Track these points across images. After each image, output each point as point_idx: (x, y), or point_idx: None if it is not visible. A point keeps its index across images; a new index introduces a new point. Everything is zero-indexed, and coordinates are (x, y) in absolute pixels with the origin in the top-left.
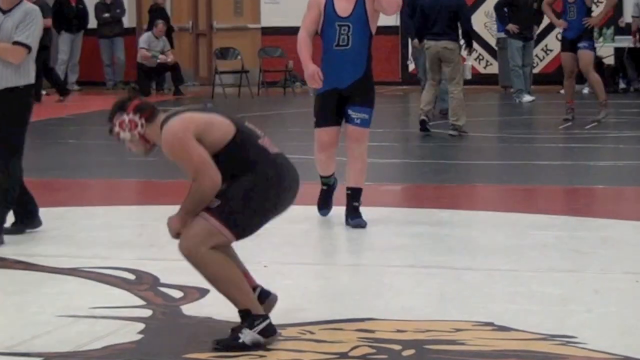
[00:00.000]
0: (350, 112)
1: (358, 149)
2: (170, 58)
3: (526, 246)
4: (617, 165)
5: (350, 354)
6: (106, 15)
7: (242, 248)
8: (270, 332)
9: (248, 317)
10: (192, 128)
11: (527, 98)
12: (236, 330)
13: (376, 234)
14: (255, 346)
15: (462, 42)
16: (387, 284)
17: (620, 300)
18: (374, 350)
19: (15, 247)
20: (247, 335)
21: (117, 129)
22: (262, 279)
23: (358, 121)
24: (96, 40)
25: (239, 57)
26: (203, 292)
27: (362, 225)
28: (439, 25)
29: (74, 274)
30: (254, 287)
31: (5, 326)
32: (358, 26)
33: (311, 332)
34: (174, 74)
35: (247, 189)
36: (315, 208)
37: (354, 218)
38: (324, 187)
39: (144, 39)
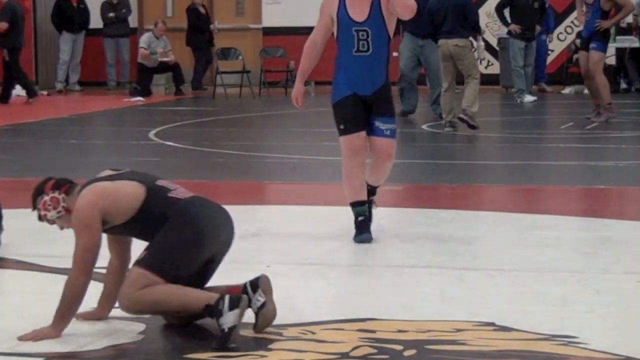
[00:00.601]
0: (378, 123)
1: (389, 164)
2: (171, 57)
3: (528, 246)
4: (619, 165)
5: (352, 354)
6: (111, 14)
7: (244, 249)
8: (238, 301)
9: (212, 309)
10: (100, 204)
11: (529, 98)
12: (218, 326)
13: (377, 234)
14: (237, 337)
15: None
16: (388, 284)
17: (622, 301)
18: (375, 351)
19: (15, 248)
20: (225, 320)
21: (42, 212)
22: None
23: (388, 132)
24: (99, 40)
25: (240, 57)
26: None
27: (367, 241)
28: (448, 24)
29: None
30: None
31: (6, 326)
32: (376, 31)
33: (312, 332)
34: (174, 75)
35: (166, 235)
36: (316, 208)
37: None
38: (360, 219)
39: (144, 38)
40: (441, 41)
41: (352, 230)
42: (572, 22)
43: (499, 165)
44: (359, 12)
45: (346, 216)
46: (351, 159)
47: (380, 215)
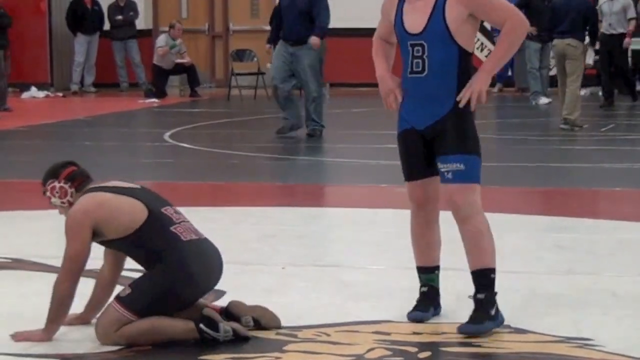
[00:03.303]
0: (439, 164)
1: (466, 225)
2: (187, 59)
3: (543, 248)
4: (634, 167)
5: (366, 356)
6: (119, 17)
7: (259, 251)
8: (214, 326)
9: (200, 333)
10: (94, 214)
11: (544, 100)
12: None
13: (392, 236)
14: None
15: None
16: (403, 286)
17: (637, 303)
18: (390, 352)
19: (30, 249)
20: (217, 338)
21: (49, 194)
22: (279, 281)
23: (450, 175)
24: (110, 42)
25: (255, 58)
26: (219, 294)
27: (473, 332)
28: (566, 24)
29: (89, 275)
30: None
31: (22, 328)
32: (436, 45)
33: (327, 334)
34: (190, 76)
35: (154, 280)
36: (332, 210)
37: (469, 323)
38: (424, 289)
39: (161, 39)
40: (555, 40)
41: (368, 233)
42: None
43: (513, 167)
44: (414, 20)
45: (361, 218)
46: (413, 213)
47: (396, 218)
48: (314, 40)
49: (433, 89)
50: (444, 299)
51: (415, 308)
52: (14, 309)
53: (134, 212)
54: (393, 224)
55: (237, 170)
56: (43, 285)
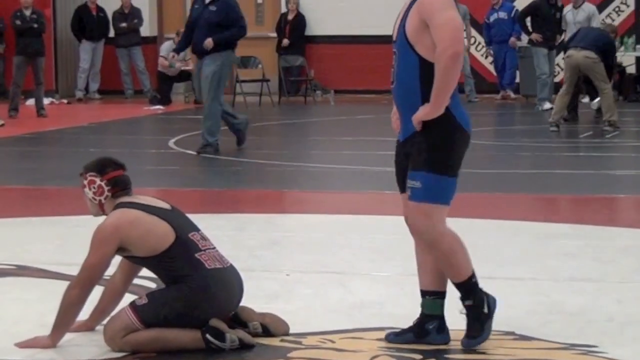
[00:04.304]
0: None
1: (426, 243)
2: (190, 66)
3: (547, 255)
4: (638, 174)
5: None
6: (123, 24)
7: (264, 257)
8: (220, 336)
9: (206, 344)
10: (125, 231)
11: (547, 105)
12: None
13: (397, 243)
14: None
15: None
16: (408, 293)
17: None
18: None
19: (37, 255)
20: (223, 348)
21: (85, 182)
22: (284, 288)
23: (409, 192)
24: (115, 49)
25: (259, 65)
26: None
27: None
28: (583, 41)
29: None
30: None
31: (28, 334)
32: (402, 54)
33: (332, 341)
34: (194, 83)
35: (172, 298)
36: (336, 217)
37: (468, 337)
38: (423, 313)
39: (165, 47)
40: (571, 51)
41: (373, 240)
42: None
43: (517, 173)
44: (395, 27)
45: (366, 225)
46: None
47: (401, 224)
48: (207, 41)
49: (401, 100)
50: (449, 307)
51: (404, 331)
52: (19, 316)
53: (162, 235)
54: (398, 231)
55: (242, 177)
56: (48, 293)
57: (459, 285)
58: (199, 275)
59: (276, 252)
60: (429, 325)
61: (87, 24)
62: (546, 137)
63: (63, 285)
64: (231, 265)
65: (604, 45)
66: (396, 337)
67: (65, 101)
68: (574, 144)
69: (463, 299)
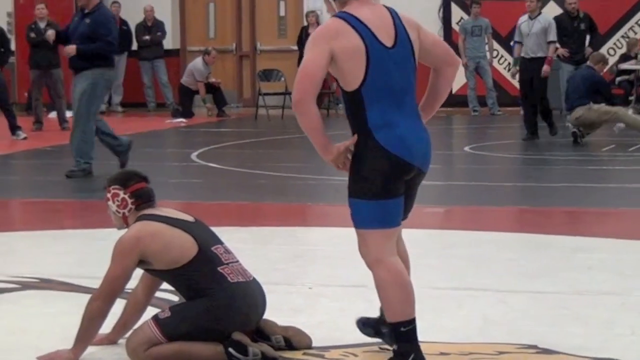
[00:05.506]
0: None
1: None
2: (218, 80)
3: (570, 268)
4: None
5: None
6: (146, 37)
7: (286, 271)
8: (243, 350)
9: (229, 358)
10: (145, 244)
11: None
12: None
13: (419, 256)
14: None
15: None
16: (430, 306)
17: None
18: None
19: (59, 268)
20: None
21: (109, 195)
22: (306, 301)
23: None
24: (138, 62)
25: (282, 78)
26: None
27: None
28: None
29: (120, 296)
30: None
31: (50, 348)
32: None
33: (354, 355)
34: (216, 96)
35: (195, 312)
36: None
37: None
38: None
39: (199, 69)
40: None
41: None
42: (614, 44)
43: (541, 187)
44: None
45: None
46: None
47: (424, 237)
48: (70, 47)
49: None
50: (472, 320)
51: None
52: (42, 329)
53: (184, 247)
54: (419, 244)
55: (265, 190)
56: (71, 306)
57: (389, 326)
58: (222, 288)
59: (299, 266)
60: (383, 329)
61: None
62: (569, 150)
63: (85, 298)
64: (254, 279)
65: (588, 88)
66: (363, 326)
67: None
68: (596, 157)
69: (393, 340)
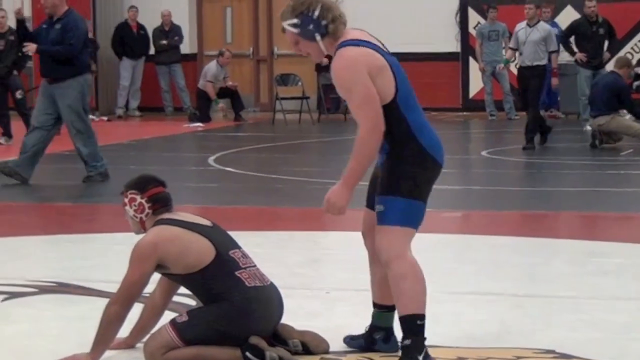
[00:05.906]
0: None
1: (383, 263)
2: (235, 83)
3: (587, 273)
4: None
5: None
6: (164, 42)
7: (304, 275)
8: (260, 354)
9: None
10: (163, 249)
11: (588, 127)
12: None
13: (436, 261)
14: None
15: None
16: (447, 311)
17: None
18: None
19: (77, 272)
20: None
21: (126, 200)
22: (324, 306)
23: (376, 216)
24: (155, 67)
25: (299, 83)
26: None
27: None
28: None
29: (138, 300)
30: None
31: (68, 352)
32: None
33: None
34: (233, 100)
35: (213, 316)
36: None
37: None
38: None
39: (211, 71)
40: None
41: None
42: (632, 48)
43: (558, 191)
44: None
45: None
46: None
47: (441, 242)
48: (30, 46)
49: None
50: (490, 325)
51: (351, 338)
52: (59, 333)
53: (202, 252)
54: (437, 249)
55: (282, 195)
56: (88, 310)
57: (403, 320)
58: (239, 292)
59: (316, 270)
60: (376, 335)
61: (128, 41)
62: (586, 154)
63: (103, 302)
64: (271, 283)
65: (612, 96)
66: (351, 340)
67: (105, 118)
68: (614, 162)
69: (404, 336)
